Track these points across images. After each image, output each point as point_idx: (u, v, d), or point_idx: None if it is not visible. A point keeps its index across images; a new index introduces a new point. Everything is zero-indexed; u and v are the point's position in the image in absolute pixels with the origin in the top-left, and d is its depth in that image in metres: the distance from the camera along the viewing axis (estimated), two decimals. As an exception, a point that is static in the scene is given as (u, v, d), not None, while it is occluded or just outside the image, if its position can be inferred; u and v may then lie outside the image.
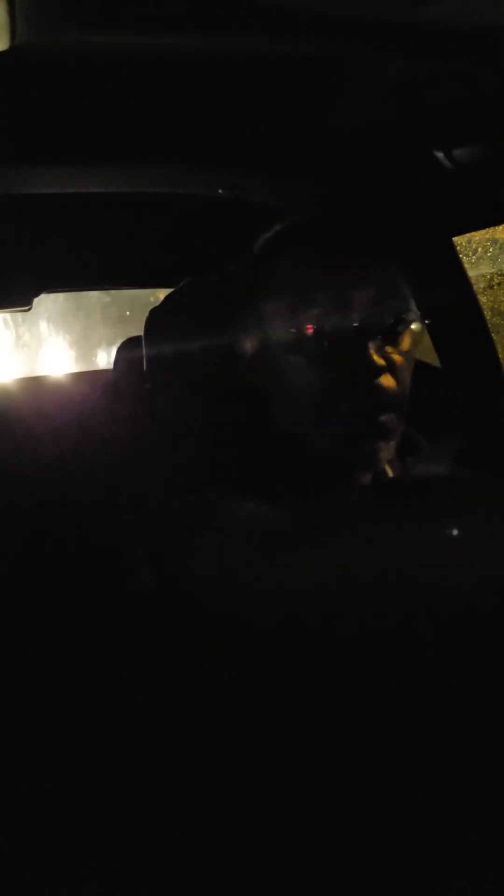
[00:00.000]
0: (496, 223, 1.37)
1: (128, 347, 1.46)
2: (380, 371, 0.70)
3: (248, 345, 0.77)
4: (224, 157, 1.09)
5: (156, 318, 0.99)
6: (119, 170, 1.13)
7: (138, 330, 1.03)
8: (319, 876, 0.55)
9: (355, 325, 0.70)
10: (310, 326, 0.70)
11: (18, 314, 2.08)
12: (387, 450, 0.74)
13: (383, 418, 0.72)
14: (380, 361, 0.70)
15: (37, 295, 1.82)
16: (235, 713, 0.57)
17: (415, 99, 0.92)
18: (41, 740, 0.74)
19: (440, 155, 1.02)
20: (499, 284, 6.08)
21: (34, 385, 1.79)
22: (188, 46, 0.78)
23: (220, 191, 1.19)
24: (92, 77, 0.87)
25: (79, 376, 2.09)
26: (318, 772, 0.56)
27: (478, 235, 5.80)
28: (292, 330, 0.71)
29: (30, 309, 1.89)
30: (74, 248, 1.63)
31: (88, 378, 1.86)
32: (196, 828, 0.57)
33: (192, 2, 0.62)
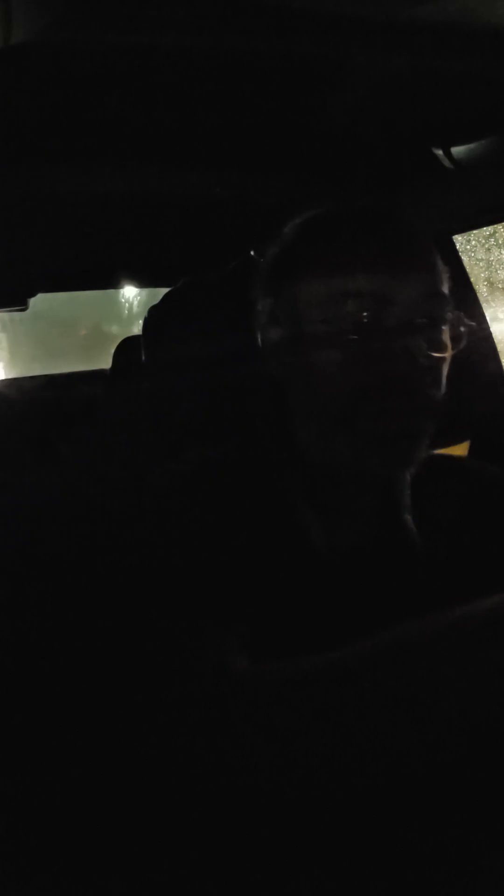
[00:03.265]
0: (496, 222, 1.37)
1: (126, 347, 1.46)
2: (420, 371, 0.65)
3: (273, 333, 0.72)
4: (224, 157, 1.09)
5: (154, 317, 0.99)
6: (117, 169, 1.13)
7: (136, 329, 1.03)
8: (318, 876, 0.55)
9: (398, 321, 0.65)
10: (349, 318, 0.65)
11: (17, 313, 2.08)
12: (418, 453, 0.69)
13: (418, 420, 0.67)
14: (421, 362, 0.65)
15: (33, 294, 1.82)
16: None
17: (415, 98, 0.92)
18: (41, 740, 0.74)
19: (440, 154, 1.02)
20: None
21: (33, 384, 1.79)
22: (188, 46, 0.78)
23: (219, 190, 1.19)
24: (89, 76, 0.87)
25: (77, 375, 2.09)
26: (318, 774, 0.56)
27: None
28: (328, 320, 0.66)
29: (26, 309, 1.89)
30: (71, 248, 1.63)
31: (87, 377, 1.86)
32: (196, 828, 0.57)
33: (191, 1, 0.62)
